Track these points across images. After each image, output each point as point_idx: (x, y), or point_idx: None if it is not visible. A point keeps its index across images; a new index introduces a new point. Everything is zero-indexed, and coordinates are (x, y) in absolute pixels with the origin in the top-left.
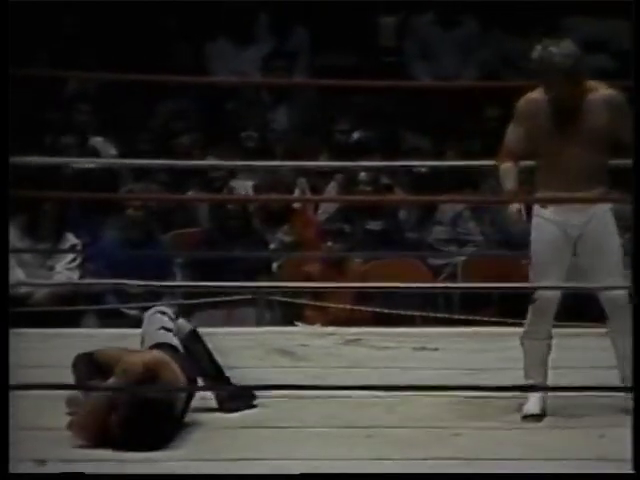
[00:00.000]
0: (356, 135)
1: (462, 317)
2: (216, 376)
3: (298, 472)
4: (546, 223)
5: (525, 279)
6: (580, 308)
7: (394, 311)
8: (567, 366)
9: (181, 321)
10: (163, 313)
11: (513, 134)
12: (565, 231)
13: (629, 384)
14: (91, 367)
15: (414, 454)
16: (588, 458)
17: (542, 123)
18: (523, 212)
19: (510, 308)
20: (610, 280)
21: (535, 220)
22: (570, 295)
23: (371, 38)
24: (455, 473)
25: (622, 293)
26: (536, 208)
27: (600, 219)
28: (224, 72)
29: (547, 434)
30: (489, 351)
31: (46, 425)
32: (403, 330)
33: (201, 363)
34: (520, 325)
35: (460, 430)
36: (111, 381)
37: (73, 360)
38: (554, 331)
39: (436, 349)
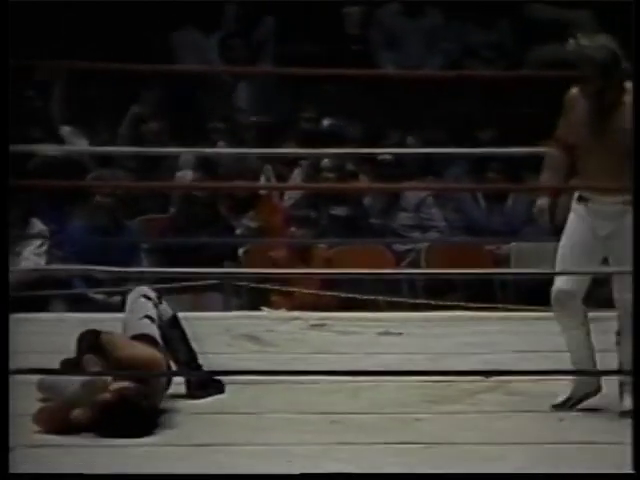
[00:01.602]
0: (325, 123)
1: (425, 302)
2: (189, 363)
3: (263, 457)
4: (577, 220)
5: (487, 265)
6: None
7: (359, 296)
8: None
9: (164, 306)
10: (148, 298)
11: (561, 124)
12: (594, 230)
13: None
14: (94, 346)
15: (378, 439)
16: (549, 442)
17: (579, 117)
18: (546, 210)
19: (472, 293)
20: (626, 285)
21: (570, 215)
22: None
23: (337, 27)
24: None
25: (628, 298)
26: (573, 203)
27: (626, 227)
28: (192, 61)
29: (508, 419)
30: (452, 336)
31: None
32: (367, 315)
33: (177, 350)
34: (482, 309)
35: (423, 415)
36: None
37: (79, 334)
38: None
39: (400, 334)
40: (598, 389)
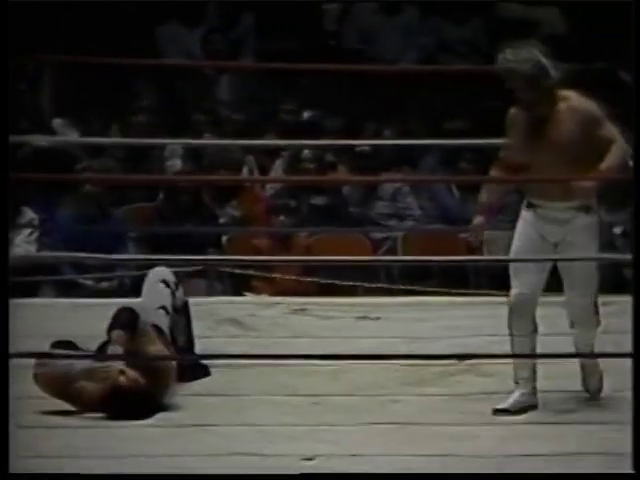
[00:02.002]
0: (306, 115)
1: (402, 288)
2: (186, 349)
3: (246, 438)
4: (526, 226)
5: (461, 252)
6: None
7: (338, 282)
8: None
9: (179, 293)
10: (166, 285)
11: (504, 145)
12: (543, 236)
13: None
14: (127, 324)
15: (356, 420)
16: (519, 422)
17: (519, 133)
18: (481, 233)
19: (447, 279)
20: (575, 292)
21: (519, 222)
22: None
23: (316, 24)
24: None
25: (588, 304)
26: (522, 210)
27: (577, 232)
28: (176, 55)
29: (480, 400)
30: (427, 320)
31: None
32: (346, 300)
33: (178, 337)
34: (457, 295)
35: (399, 397)
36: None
37: (117, 309)
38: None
39: (377, 318)
40: (535, 406)
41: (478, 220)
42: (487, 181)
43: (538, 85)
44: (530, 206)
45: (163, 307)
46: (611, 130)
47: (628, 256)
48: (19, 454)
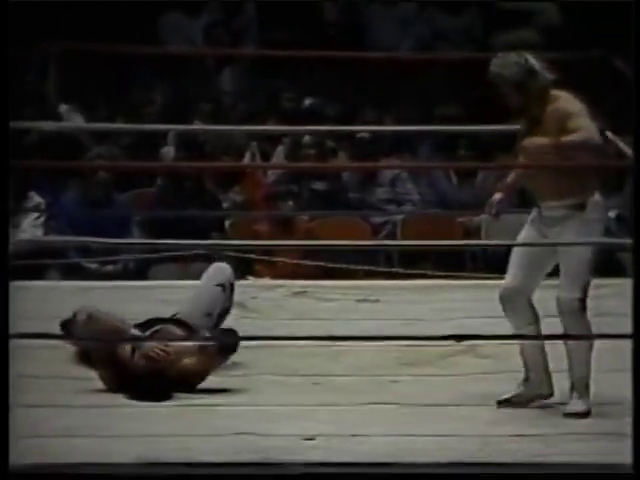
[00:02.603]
0: (306, 102)
1: (401, 271)
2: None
3: (247, 418)
4: (529, 225)
5: (458, 236)
6: None
7: (338, 265)
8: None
9: (231, 295)
10: (223, 290)
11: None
12: (545, 236)
13: (578, 392)
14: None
15: (356, 400)
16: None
17: (519, 134)
18: (495, 209)
19: (445, 263)
20: (565, 283)
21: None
22: None
23: (315, 13)
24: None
25: (574, 299)
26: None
27: (571, 231)
28: (178, 44)
29: (478, 381)
30: (426, 302)
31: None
32: (346, 283)
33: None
34: (454, 278)
35: (398, 377)
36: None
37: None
38: None
39: (377, 301)
40: (551, 394)
41: (497, 196)
42: (484, 168)
43: (525, 89)
44: (535, 205)
45: (209, 314)
46: (580, 122)
47: (627, 240)
48: (20, 434)
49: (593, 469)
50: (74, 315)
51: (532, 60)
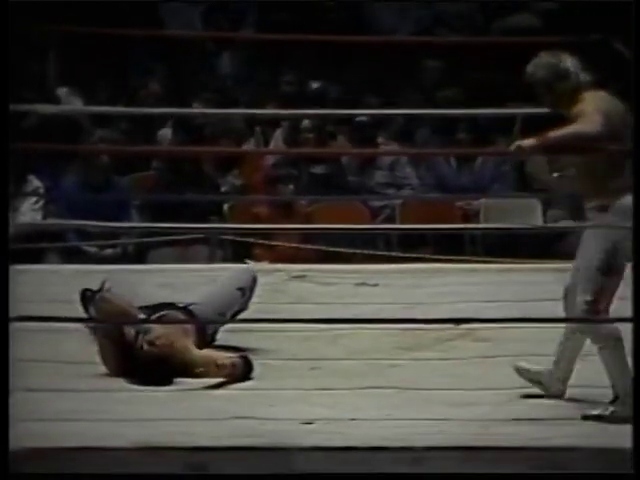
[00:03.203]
0: (306, 86)
1: (400, 255)
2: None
3: (246, 401)
4: None
5: (457, 220)
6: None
7: (337, 249)
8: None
9: (249, 298)
10: (242, 294)
11: None
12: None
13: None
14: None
15: (355, 384)
16: (515, 387)
17: None
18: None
19: (443, 247)
20: (579, 285)
21: None
22: None
23: None
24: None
25: (583, 302)
26: None
27: (589, 231)
28: (177, 28)
29: (476, 364)
30: (424, 286)
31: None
32: (345, 267)
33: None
34: (452, 262)
35: (397, 361)
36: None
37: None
38: None
39: (376, 285)
40: (562, 394)
41: (526, 142)
42: (484, 154)
43: (554, 89)
44: None
45: (222, 314)
46: (583, 118)
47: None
48: (20, 417)
49: (593, 453)
50: (102, 284)
51: (568, 61)
